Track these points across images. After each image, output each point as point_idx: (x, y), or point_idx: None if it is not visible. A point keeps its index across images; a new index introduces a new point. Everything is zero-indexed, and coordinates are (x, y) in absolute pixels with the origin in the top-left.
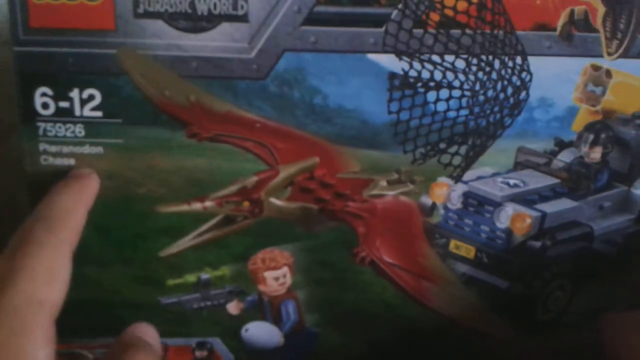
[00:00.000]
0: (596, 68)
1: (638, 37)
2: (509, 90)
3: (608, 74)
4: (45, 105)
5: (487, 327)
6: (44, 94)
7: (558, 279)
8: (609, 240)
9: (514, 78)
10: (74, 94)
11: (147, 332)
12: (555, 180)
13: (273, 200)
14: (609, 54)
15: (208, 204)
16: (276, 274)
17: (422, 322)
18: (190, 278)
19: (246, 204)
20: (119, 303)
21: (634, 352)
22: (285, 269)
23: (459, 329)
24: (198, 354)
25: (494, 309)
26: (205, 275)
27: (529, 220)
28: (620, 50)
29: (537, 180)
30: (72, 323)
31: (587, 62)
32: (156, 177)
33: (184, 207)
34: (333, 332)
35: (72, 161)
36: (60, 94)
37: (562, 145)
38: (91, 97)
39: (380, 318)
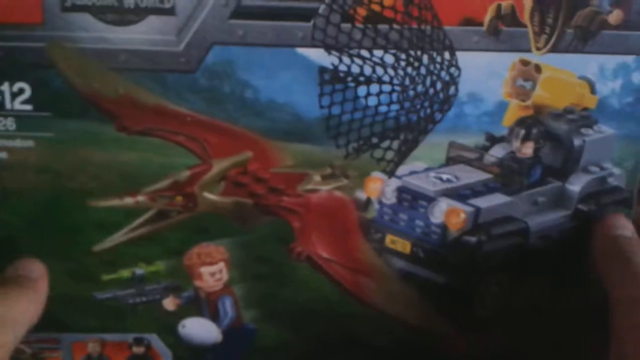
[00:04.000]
0: (525, 63)
1: (566, 31)
2: (438, 85)
3: (537, 68)
4: None
5: (426, 323)
6: None
7: (495, 274)
8: (545, 236)
9: (443, 73)
10: (4, 87)
11: (31, 268)
12: (488, 176)
13: (207, 194)
14: (538, 49)
15: (140, 198)
16: (212, 269)
17: (361, 319)
18: (125, 273)
19: (179, 198)
20: (54, 298)
21: None
22: (221, 264)
23: (398, 326)
24: (135, 350)
25: (432, 305)
26: (139, 271)
27: (463, 216)
28: (549, 45)
29: (470, 176)
30: None
31: (516, 57)
32: (88, 171)
33: (116, 202)
34: (271, 328)
35: (4, 154)
36: None
37: (493, 140)
38: (21, 91)
39: (318, 314)
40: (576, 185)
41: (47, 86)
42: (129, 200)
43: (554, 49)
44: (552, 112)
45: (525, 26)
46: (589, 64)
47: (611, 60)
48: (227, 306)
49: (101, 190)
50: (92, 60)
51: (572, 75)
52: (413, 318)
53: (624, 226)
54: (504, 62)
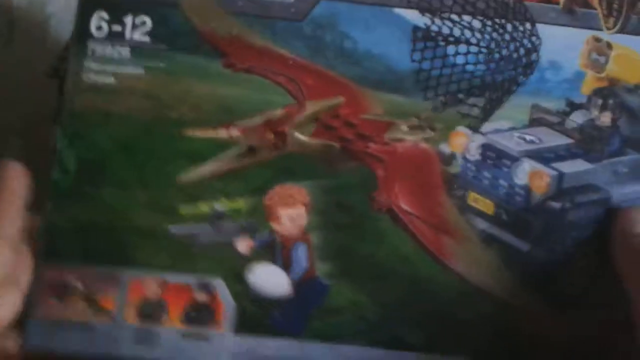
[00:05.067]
0: (598, 39)
1: (631, 16)
2: (522, 51)
3: (609, 45)
4: (99, 28)
5: (508, 295)
6: (100, 18)
7: (580, 246)
8: None
9: (525, 41)
10: (128, 19)
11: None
12: (569, 140)
13: (297, 134)
14: (608, 29)
15: (233, 131)
16: (292, 213)
17: (439, 285)
18: (204, 208)
19: (270, 135)
20: (127, 229)
21: None
22: (301, 208)
23: (482, 300)
24: (198, 296)
25: (515, 275)
26: (219, 206)
27: (547, 179)
28: (617, 27)
29: (552, 139)
30: (73, 247)
31: (590, 33)
32: (189, 102)
33: (210, 133)
34: (344, 287)
35: (112, 79)
36: (115, 18)
37: (573, 106)
38: (143, 23)
39: (396, 275)
40: None
41: (167, 22)
42: (222, 132)
43: (622, 31)
44: (625, 86)
45: (595, 8)
46: None
47: None
48: (301, 254)
49: (198, 121)
50: (213, 3)
51: None
52: (495, 287)
53: None
54: (578, 37)
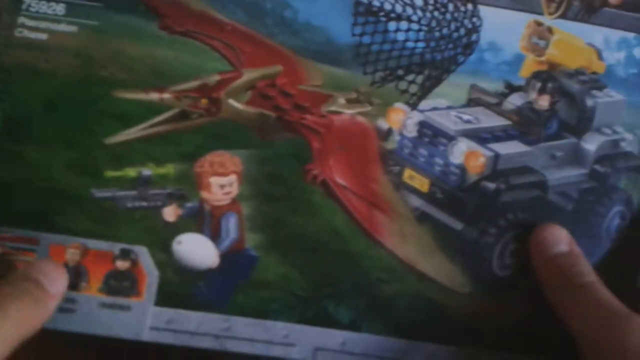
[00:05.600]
0: (539, 23)
1: (573, 2)
2: (462, 31)
3: (550, 30)
4: None
5: (440, 275)
6: None
7: (514, 228)
8: (564, 193)
9: (466, 21)
10: None
11: (53, 278)
12: (507, 122)
13: (232, 101)
14: (549, 14)
15: (166, 95)
16: (223, 181)
17: (372, 261)
18: (131, 172)
19: (204, 101)
20: (49, 190)
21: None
22: (233, 177)
23: (412, 276)
24: (119, 264)
25: (448, 255)
26: (147, 171)
27: (482, 159)
28: (559, 12)
29: (489, 119)
30: None
31: (531, 17)
32: (121, 62)
33: (141, 95)
34: (273, 259)
35: (44, 36)
36: None
37: (511, 88)
38: None
39: (326, 249)
40: (591, 144)
41: None
42: (154, 96)
43: (563, 16)
44: (565, 71)
45: None
46: (595, 34)
47: (615, 34)
48: (231, 224)
49: (130, 83)
50: None
51: (581, 41)
52: (425, 265)
53: (559, 241)
54: (520, 20)
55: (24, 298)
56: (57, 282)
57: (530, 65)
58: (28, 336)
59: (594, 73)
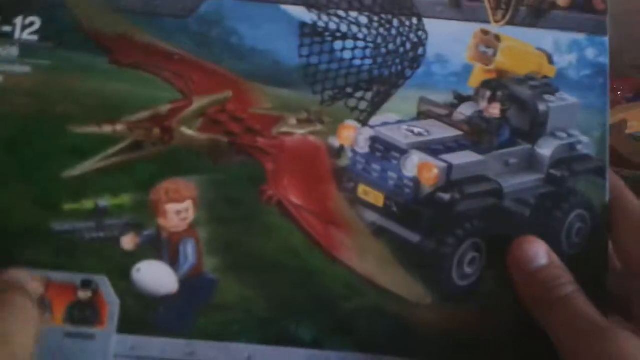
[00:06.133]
0: (485, 32)
1: (521, 8)
2: (408, 45)
3: (497, 37)
4: None
5: (399, 287)
6: None
7: (471, 237)
8: (520, 199)
9: (412, 35)
10: (18, 20)
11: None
12: (458, 132)
13: (184, 129)
14: (496, 22)
15: (119, 127)
16: (178, 207)
17: (331, 278)
18: (88, 204)
19: (157, 130)
20: (10, 225)
21: None
22: (188, 203)
23: (371, 290)
24: (81, 294)
25: (406, 267)
26: (103, 202)
27: (435, 171)
28: (506, 19)
29: (440, 131)
30: None
31: (477, 27)
32: (74, 98)
33: (94, 129)
34: (233, 282)
35: (0, 78)
36: (5, 20)
37: (461, 99)
38: (32, 24)
39: (285, 268)
40: (545, 149)
41: (56, 21)
42: (107, 128)
43: (511, 23)
44: (514, 77)
45: (482, 1)
46: (545, 38)
47: (565, 36)
48: (189, 250)
49: (83, 117)
50: (100, 2)
51: (530, 47)
52: (385, 279)
53: (537, 255)
54: (466, 31)
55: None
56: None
57: (478, 75)
58: None
59: (545, 77)
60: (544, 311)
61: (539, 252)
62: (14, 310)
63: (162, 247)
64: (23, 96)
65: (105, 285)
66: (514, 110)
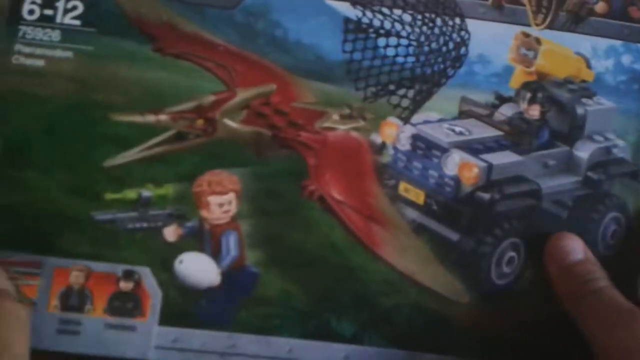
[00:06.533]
0: (526, 35)
1: (560, 13)
2: (451, 44)
3: (538, 40)
4: (31, 12)
5: (438, 285)
6: (32, 2)
7: (510, 236)
8: (558, 201)
9: (454, 35)
10: (60, 3)
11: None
12: (498, 132)
13: (227, 121)
14: (536, 25)
15: (162, 117)
16: (221, 200)
17: (368, 273)
18: (130, 194)
19: (200, 121)
20: (50, 214)
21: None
22: (231, 195)
23: (411, 287)
24: (123, 285)
25: (446, 265)
26: (146, 192)
27: (476, 170)
28: (546, 23)
29: (481, 131)
30: None
31: (518, 29)
32: (116, 86)
33: (137, 118)
34: (274, 275)
35: (41, 62)
36: (47, 3)
37: (502, 99)
38: (74, 8)
39: (326, 264)
40: (583, 151)
41: (98, 6)
42: (150, 118)
43: (550, 27)
44: (554, 80)
45: (524, 5)
46: (583, 43)
47: (602, 42)
48: (231, 242)
49: (125, 106)
50: None
51: (569, 51)
52: (424, 276)
53: (574, 250)
54: (508, 32)
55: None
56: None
57: (519, 76)
58: None
59: (583, 81)
60: (577, 303)
61: (576, 247)
62: (8, 318)
63: (204, 239)
64: (65, 81)
65: (147, 276)
66: (553, 113)
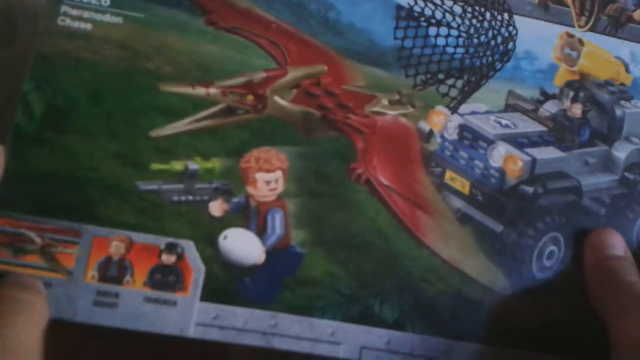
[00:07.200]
0: (570, 35)
1: (602, 17)
2: (499, 39)
3: (581, 42)
4: None
5: (481, 275)
6: None
7: (551, 230)
8: (597, 198)
9: (503, 30)
10: None
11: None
12: (543, 128)
13: (277, 99)
14: (580, 27)
15: (212, 90)
16: (268, 177)
17: (412, 260)
18: (177, 166)
19: (250, 97)
20: (92, 181)
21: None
22: (278, 173)
23: (451, 275)
24: (165, 258)
25: (489, 256)
26: (193, 165)
27: (520, 164)
28: (589, 26)
29: (526, 125)
30: (34, 196)
31: (563, 29)
32: (167, 55)
33: (188, 90)
34: (319, 256)
35: (89, 26)
36: None
37: (546, 96)
38: None
39: (370, 247)
40: (621, 152)
41: None
42: (200, 90)
43: (593, 29)
44: (595, 81)
45: (568, 6)
46: (622, 47)
47: None
48: (277, 221)
49: (175, 76)
50: None
51: (609, 54)
52: (467, 266)
53: (615, 245)
54: (553, 32)
55: (42, 295)
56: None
57: (563, 75)
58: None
59: (622, 84)
60: (603, 291)
61: (617, 243)
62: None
63: (250, 215)
64: (113, 47)
65: (191, 250)
66: (593, 112)
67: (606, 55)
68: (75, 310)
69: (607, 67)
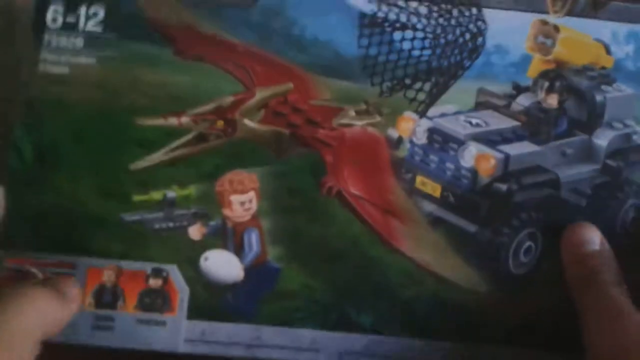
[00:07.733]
0: (544, 23)
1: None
2: (467, 35)
3: (556, 28)
4: (54, 20)
5: (456, 275)
6: (55, 10)
7: (527, 227)
8: (576, 189)
9: (471, 25)
10: (81, 10)
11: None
12: (516, 123)
13: (246, 121)
14: (555, 12)
15: (184, 119)
16: (242, 198)
17: (387, 266)
18: (156, 195)
19: (220, 123)
20: (81, 216)
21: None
22: (251, 194)
23: (429, 278)
24: (152, 282)
25: (463, 256)
26: (171, 193)
27: (493, 161)
28: (565, 10)
29: (498, 122)
30: (31, 234)
31: (536, 17)
32: (140, 90)
33: (160, 121)
34: (295, 270)
35: (66, 69)
36: (69, 10)
37: (519, 89)
38: (95, 14)
39: (345, 256)
40: (602, 139)
41: (119, 12)
42: (173, 121)
43: (569, 13)
44: (573, 68)
45: None
46: (603, 29)
47: (623, 28)
48: (253, 239)
49: (150, 110)
50: None
51: (588, 37)
52: (442, 268)
53: (591, 240)
54: (526, 21)
55: (52, 294)
56: (75, 289)
57: (537, 65)
58: (50, 335)
59: (602, 68)
60: (581, 293)
61: (593, 237)
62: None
63: (227, 236)
64: (89, 87)
65: (175, 273)
66: (571, 101)
67: (585, 39)
68: (78, 335)
69: (586, 52)
